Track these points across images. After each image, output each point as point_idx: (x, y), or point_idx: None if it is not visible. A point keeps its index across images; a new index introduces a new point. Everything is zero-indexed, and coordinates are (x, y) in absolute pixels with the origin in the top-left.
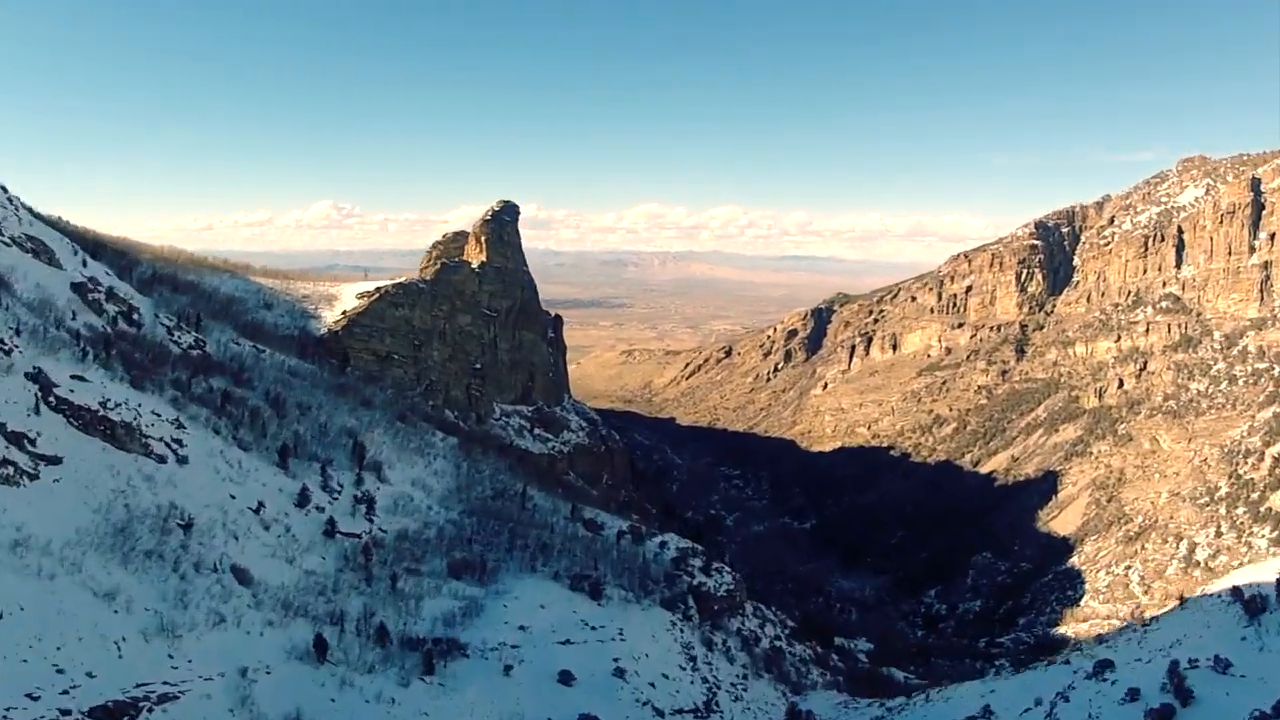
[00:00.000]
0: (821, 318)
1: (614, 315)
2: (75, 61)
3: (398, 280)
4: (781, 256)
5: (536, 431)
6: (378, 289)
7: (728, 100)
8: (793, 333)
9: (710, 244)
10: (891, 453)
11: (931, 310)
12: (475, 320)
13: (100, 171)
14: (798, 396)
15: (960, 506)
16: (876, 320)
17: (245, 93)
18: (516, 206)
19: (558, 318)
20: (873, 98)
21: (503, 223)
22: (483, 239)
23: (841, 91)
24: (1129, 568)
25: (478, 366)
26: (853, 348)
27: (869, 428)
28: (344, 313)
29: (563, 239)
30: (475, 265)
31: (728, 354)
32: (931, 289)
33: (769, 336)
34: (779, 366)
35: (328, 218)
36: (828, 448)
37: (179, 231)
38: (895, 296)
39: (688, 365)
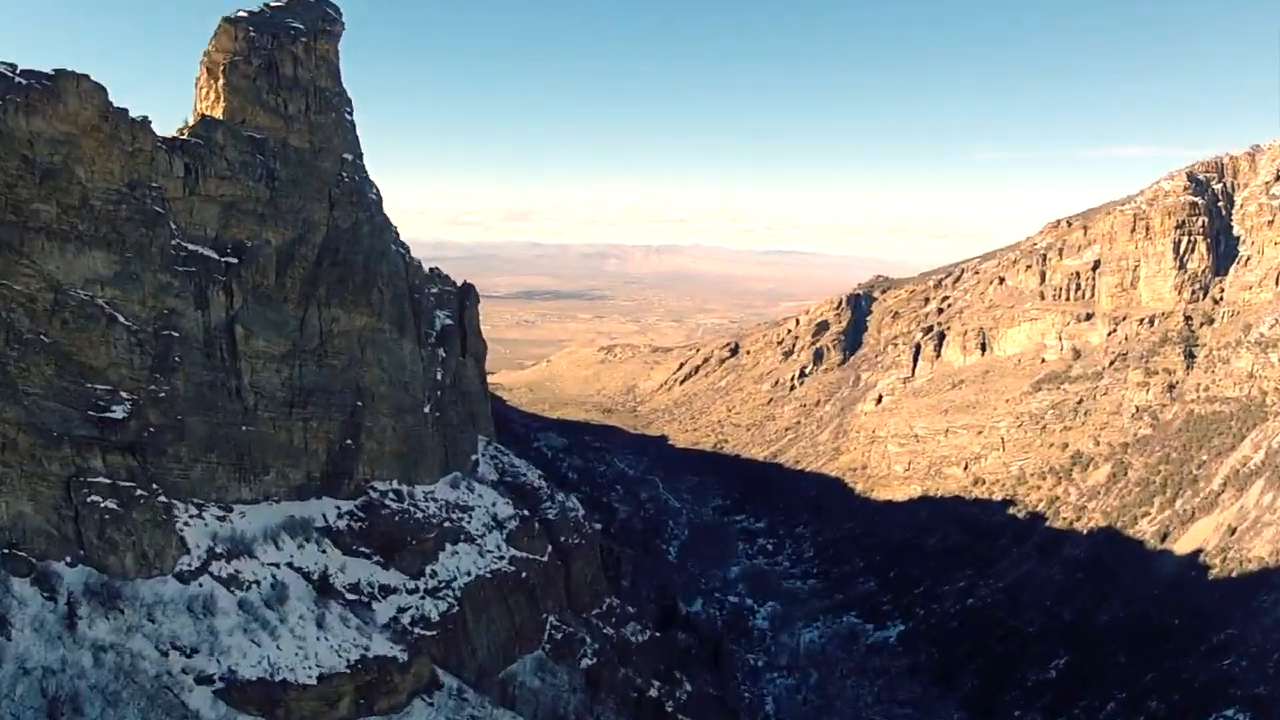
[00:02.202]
0: (860, 307)
1: (594, 308)
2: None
3: None
4: (765, 250)
5: (341, 578)
6: None
7: (713, 90)
8: (822, 325)
9: (693, 236)
10: (1013, 511)
11: (1040, 295)
12: (143, 275)
13: None
14: (838, 412)
15: (1153, 614)
16: (942, 310)
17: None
18: (335, 8)
19: (465, 289)
20: (860, 91)
21: (288, 36)
22: (222, 68)
23: (828, 85)
24: None
25: (117, 416)
26: (917, 347)
27: (966, 467)
28: None
29: (544, 230)
30: (184, 129)
31: (733, 352)
32: (1030, 267)
33: (789, 330)
34: (806, 370)
35: None
36: (899, 495)
37: None
38: (959, 279)
39: (682, 365)
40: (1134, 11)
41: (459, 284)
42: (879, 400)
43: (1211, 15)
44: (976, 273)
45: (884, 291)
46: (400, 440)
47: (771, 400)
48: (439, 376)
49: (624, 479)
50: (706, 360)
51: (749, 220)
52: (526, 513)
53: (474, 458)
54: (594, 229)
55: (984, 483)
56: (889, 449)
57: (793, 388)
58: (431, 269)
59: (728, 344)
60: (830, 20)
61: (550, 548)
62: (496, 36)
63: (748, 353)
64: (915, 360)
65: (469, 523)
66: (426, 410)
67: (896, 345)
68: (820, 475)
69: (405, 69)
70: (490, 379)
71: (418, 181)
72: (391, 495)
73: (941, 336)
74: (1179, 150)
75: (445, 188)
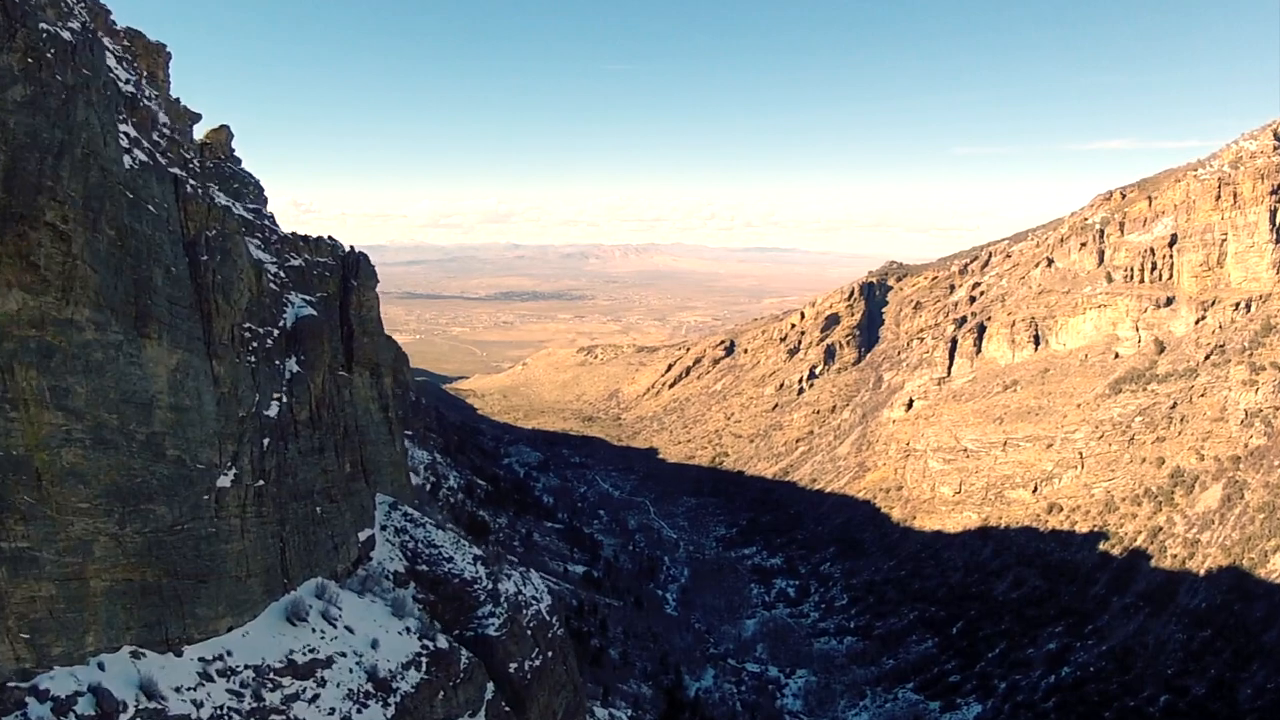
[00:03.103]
0: (874, 298)
1: (574, 307)
2: None
3: None
4: (745, 247)
5: None
6: None
7: (690, 90)
8: (832, 319)
9: (672, 235)
10: (1105, 547)
11: (1107, 277)
12: None
13: None
14: (859, 420)
15: None
16: (975, 298)
17: (204, 77)
18: None
19: (352, 260)
20: (837, 89)
21: None
22: None
23: (805, 83)
24: None
25: None
26: (952, 342)
27: (1035, 489)
28: None
29: (524, 232)
30: None
31: (729, 351)
32: (1085, 245)
33: (793, 325)
34: (817, 370)
35: (284, 214)
36: (950, 524)
37: None
38: (986, 264)
39: (670, 367)
40: (1113, 5)
41: (345, 249)
42: (909, 405)
43: (1193, 7)
44: (1008, 255)
45: (899, 280)
46: (134, 562)
47: (777, 406)
48: (275, 410)
49: (608, 502)
50: (699, 360)
51: (727, 218)
52: (445, 643)
53: (367, 536)
54: (574, 229)
55: (1061, 509)
56: (930, 465)
57: (801, 391)
58: (304, 235)
59: (722, 341)
60: (807, 20)
61: (492, 687)
62: (478, 40)
63: (745, 351)
64: (951, 357)
65: (313, 704)
66: (228, 482)
67: (923, 340)
68: (844, 497)
69: (388, 73)
70: (462, 384)
71: (399, 184)
72: (81, 697)
73: (981, 329)
74: (1165, 143)
75: (426, 190)
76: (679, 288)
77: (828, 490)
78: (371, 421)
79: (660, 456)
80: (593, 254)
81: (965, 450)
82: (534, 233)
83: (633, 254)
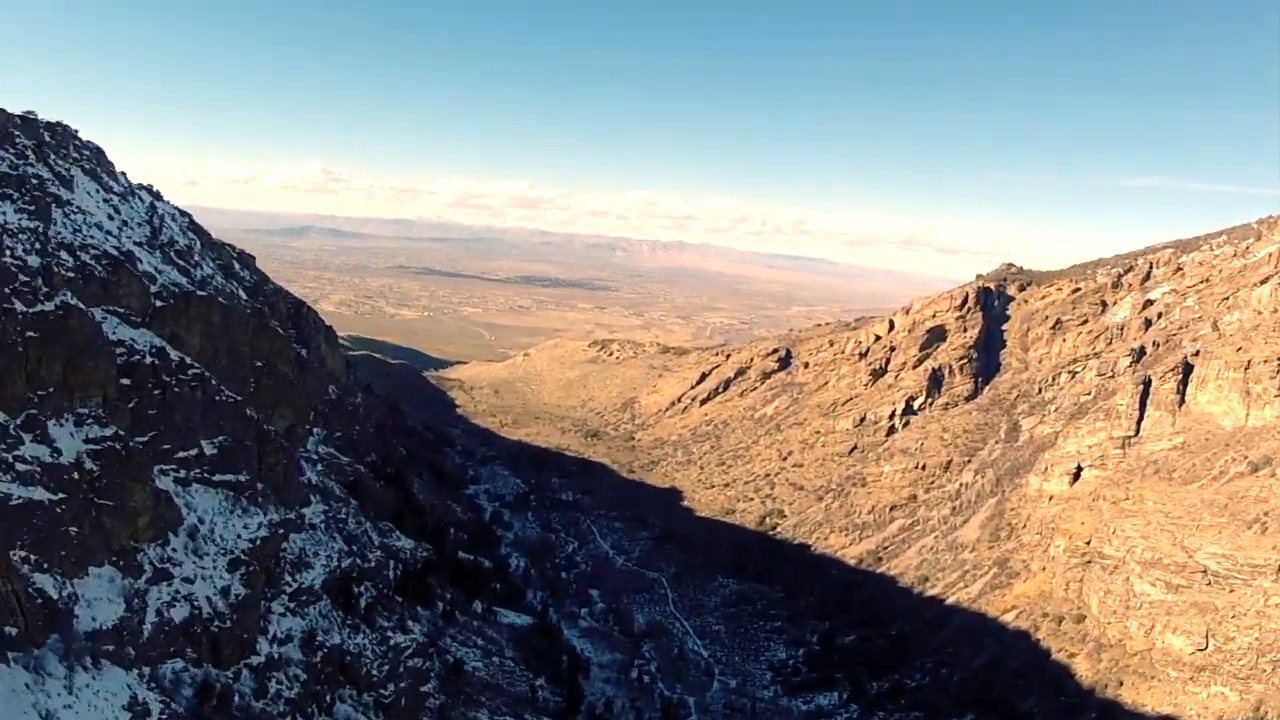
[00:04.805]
0: (993, 308)
1: (596, 298)
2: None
3: None
4: (773, 254)
5: None
6: None
7: (730, 90)
8: (936, 333)
9: (701, 236)
10: None
11: None
12: None
13: (84, 116)
14: (992, 486)
15: None
16: (1150, 322)
17: (237, 42)
18: None
19: None
20: (878, 99)
21: None
22: None
23: (847, 92)
24: None
25: None
26: (1145, 384)
27: None
28: None
29: (552, 219)
30: None
31: (783, 363)
32: None
33: (877, 337)
34: (916, 403)
35: (314, 181)
36: (1193, 707)
37: (162, 183)
38: (1147, 276)
39: (704, 377)
40: (1163, 44)
41: None
42: (1076, 475)
43: (1229, 45)
44: (1178, 269)
45: (1022, 289)
46: None
47: (857, 448)
48: None
49: (607, 575)
50: (742, 371)
51: (758, 223)
52: None
53: None
54: (602, 221)
55: None
56: (1137, 589)
57: (893, 430)
58: None
59: (775, 350)
60: (859, 27)
61: None
62: (520, 26)
63: (806, 365)
64: (1143, 406)
65: None
66: None
67: (1076, 375)
68: (979, 617)
69: (426, 49)
70: (453, 371)
71: (427, 162)
72: None
73: (1187, 368)
74: (1197, 184)
75: (454, 169)
76: (705, 287)
77: (949, 600)
78: None
79: (686, 504)
80: (620, 247)
81: (1205, 573)
82: (562, 221)
83: (660, 250)
